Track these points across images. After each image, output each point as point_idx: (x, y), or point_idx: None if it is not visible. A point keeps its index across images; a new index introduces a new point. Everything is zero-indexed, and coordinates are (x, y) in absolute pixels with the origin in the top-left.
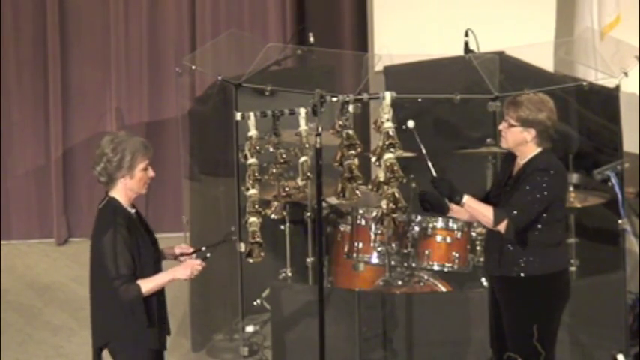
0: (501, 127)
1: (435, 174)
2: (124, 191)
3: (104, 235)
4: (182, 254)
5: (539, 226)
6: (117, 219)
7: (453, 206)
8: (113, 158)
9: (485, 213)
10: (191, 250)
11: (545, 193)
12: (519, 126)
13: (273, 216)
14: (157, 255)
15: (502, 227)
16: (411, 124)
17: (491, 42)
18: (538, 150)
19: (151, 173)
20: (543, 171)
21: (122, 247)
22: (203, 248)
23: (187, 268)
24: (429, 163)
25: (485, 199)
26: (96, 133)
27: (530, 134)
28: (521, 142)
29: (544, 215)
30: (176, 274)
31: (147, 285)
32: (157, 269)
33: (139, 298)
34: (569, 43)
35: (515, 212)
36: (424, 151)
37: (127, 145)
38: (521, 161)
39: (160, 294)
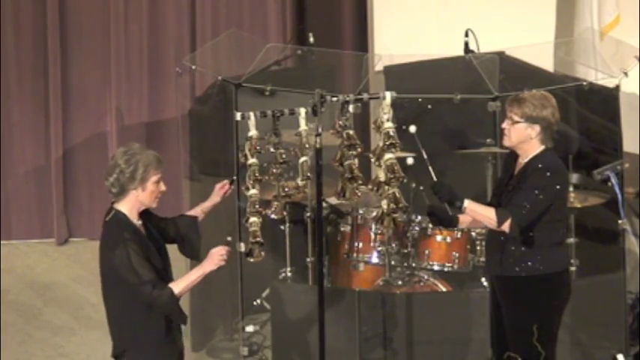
0: (505, 125)
1: (435, 178)
2: (133, 203)
3: (115, 251)
4: (225, 192)
5: (541, 225)
6: (124, 234)
7: (461, 218)
8: (126, 170)
9: (487, 214)
10: (227, 185)
11: (548, 191)
12: (524, 122)
13: (273, 216)
14: (163, 265)
15: (506, 227)
16: (412, 128)
17: (491, 42)
18: (540, 148)
19: (162, 187)
20: (545, 170)
21: (136, 256)
22: (234, 178)
23: (213, 258)
24: (430, 168)
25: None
26: (96, 133)
27: (534, 130)
28: (526, 138)
29: (545, 215)
30: (206, 268)
31: (179, 285)
32: (167, 279)
33: (174, 301)
34: (569, 43)
35: (517, 211)
36: (425, 156)
37: (141, 157)
38: (522, 160)
39: None
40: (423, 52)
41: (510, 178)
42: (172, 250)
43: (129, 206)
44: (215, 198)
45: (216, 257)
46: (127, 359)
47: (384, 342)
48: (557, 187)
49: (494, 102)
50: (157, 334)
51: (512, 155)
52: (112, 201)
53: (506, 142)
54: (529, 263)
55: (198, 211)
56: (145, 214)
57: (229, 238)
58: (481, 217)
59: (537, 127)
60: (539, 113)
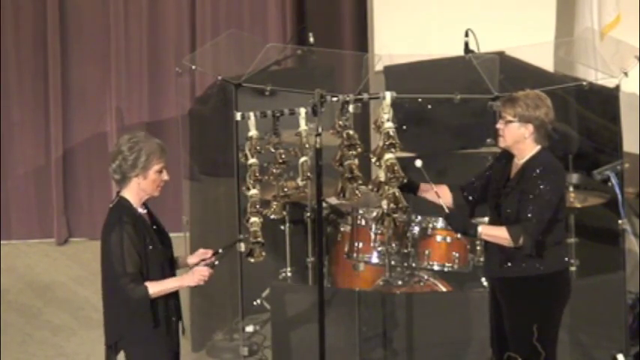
0: (499, 125)
1: (447, 210)
2: (136, 191)
3: (111, 234)
4: (202, 260)
5: None
6: (123, 217)
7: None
8: (129, 157)
9: (501, 235)
10: (209, 253)
11: (551, 196)
12: (517, 121)
13: (273, 216)
14: (167, 256)
15: (521, 243)
16: (418, 163)
17: (491, 42)
18: (536, 149)
19: (165, 176)
20: (544, 174)
21: (129, 245)
22: (220, 250)
23: (195, 275)
24: (441, 201)
25: (472, 195)
26: (96, 133)
27: (528, 130)
28: (520, 138)
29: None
30: (184, 282)
31: (154, 288)
32: (167, 269)
33: (146, 300)
34: (569, 43)
35: (528, 225)
36: (434, 188)
37: (144, 145)
38: (519, 161)
39: (174, 294)
40: (423, 52)
41: (507, 179)
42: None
43: (133, 194)
44: (193, 258)
45: (197, 276)
46: (124, 349)
47: (384, 342)
48: (558, 188)
49: (494, 102)
50: (150, 325)
51: (506, 155)
52: (118, 190)
53: (502, 143)
54: (529, 263)
55: (180, 259)
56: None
57: (217, 263)
58: (496, 240)
59: (530, 127)
60: (532, 113)
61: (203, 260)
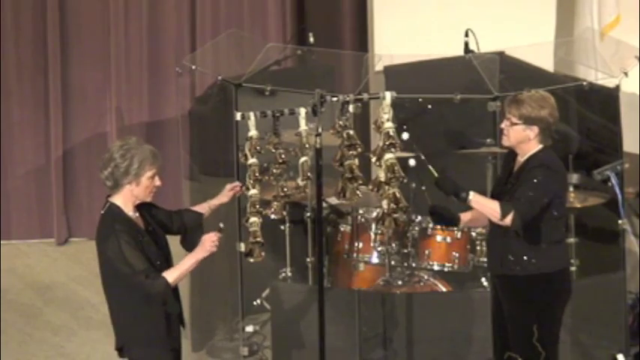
0: (503, 125)
1: (436, 174)
2: (127, 197)
3: (107, 243)
4: (235, 194)
5: (541, 224)
6: (115, 225)
7: (462, 216)
8: (121, 164)
9: (492, 206)
10: (237, 186)
11: (548, 188)
12: (522, 124)
13: (273, 216)
14: (163, 256)
15: (509, 220)
16: (405, 135)
17: (491, 42)
18: (539, 147)
19: (157, 182)
20: (544, 167)
21: (127, 247)
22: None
23: (205, 245)
24: (430, 166)
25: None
26: (96, 133)
27: (533, 131)
28: (524, 139)
29: (545, 213)
30: (198, 255)
31: (173, 274)
32: (165, 269)
33: (168, 290)
34: (569, 43)
35: (519, 204)
36: (422, 157)
37: (136, 152)
38: (521, 158)
39: (174, 289)
40: (423, 52)
41: (509, 176)
42: (173, 243)
43: (124, 199)
44: (223, 198)
45: (207, 244)
46: (126, 353)
47: (384, 342)
48: (556, 184)
49: (494, 102)
50: (155, 330)
51: (512, 154)
52: (108, 194)
53: (506, 142)
54: (530, 262)
55: (205, 207)
56: (147, 205)
57: (222, 225)
58: (485, 210)
59: (536, 129)
60: (538, 114)
61: (234, 195)
